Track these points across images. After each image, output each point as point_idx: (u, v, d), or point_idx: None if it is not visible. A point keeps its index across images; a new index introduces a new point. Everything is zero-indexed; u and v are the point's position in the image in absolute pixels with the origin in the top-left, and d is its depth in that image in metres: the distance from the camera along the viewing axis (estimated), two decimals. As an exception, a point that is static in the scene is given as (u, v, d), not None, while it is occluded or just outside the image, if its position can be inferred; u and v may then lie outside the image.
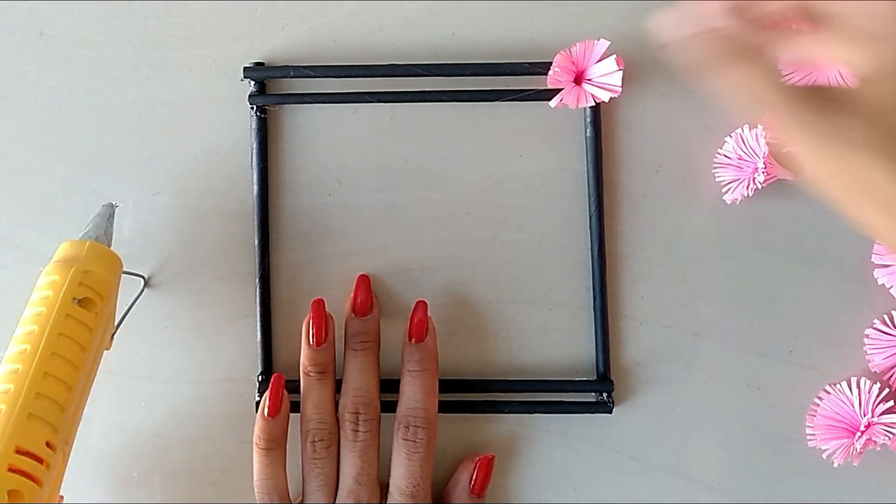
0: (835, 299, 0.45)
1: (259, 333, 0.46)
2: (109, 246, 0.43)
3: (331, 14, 0.47)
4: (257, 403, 0.46)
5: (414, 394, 0.43)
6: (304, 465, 0.44)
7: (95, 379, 0.42)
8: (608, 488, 0.46)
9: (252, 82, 0.46)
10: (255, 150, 0.46)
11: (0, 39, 0.47)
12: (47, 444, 0.36)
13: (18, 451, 0.35)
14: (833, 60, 0.36)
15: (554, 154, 0.46)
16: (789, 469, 0.46)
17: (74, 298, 0.39)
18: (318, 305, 0.44)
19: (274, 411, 0.43)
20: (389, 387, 0.45)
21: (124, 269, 0.43)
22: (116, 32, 0.47)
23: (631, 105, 0.46)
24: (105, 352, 0.43)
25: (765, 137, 0.43)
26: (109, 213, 0.44)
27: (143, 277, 0.45)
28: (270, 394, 0.44)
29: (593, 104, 0.44)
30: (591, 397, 0.46)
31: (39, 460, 0.35)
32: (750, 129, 0.43)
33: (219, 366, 0.46)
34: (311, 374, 0.44)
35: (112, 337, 0.43)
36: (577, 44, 0.44)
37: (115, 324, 0.43)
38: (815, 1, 0.35)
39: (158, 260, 0.47)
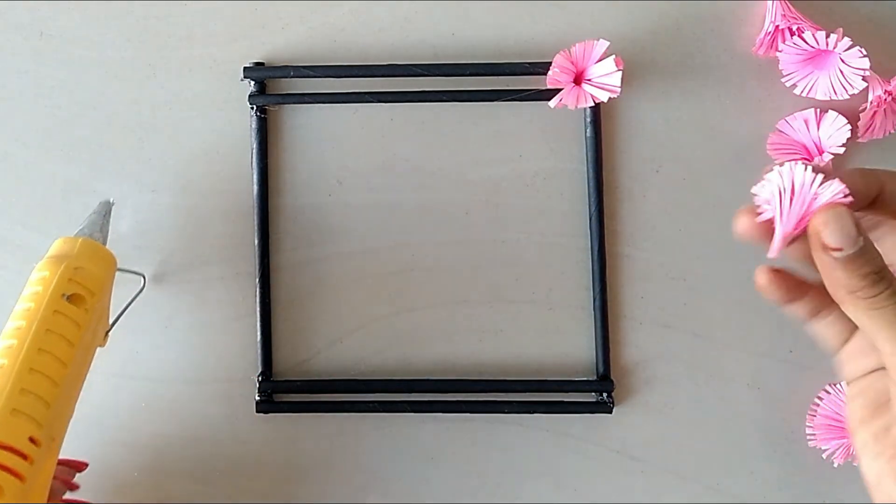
0: (835, 299, 0.45)
1: (259, 333, 0.46)
2: (104, 243, 0.42)
3: (331, 14, 0.47)
4: (257, 403, 0.46)
5: None
6: None
7: (93, 378, 0.42)
8: (608, 488, 0.46)
9: (252, 82, 0.46)
10: (255, 150, 0.46)
11: (0, 39, 0.47)
12: (31, 440, 0.35)
13: (0, 446, 0.34)
14: None
15: (554, 154, 0.46)
16: (789, 469, 0.46)
17: (64, 294, 0.39)
18: None
19: None
20: (400, 386, 0.45)
21: (124, 268, 0.43)
22: (116, 32, 0.47)
23: (631, 105, 0.46)
24: (106, 351, 0.42)
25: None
26: (106, 210, 0.43)
27: (142, 276, 0.45)
28: None
29: (593, 104, 0.44)
30: (591, 397, 0.46)
31: (23, 456, 0.35)
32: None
33: (219, 366, 0.46)
34: None
35: (107, 334, 0.43)
36: (577, 44, 0.44)
37: (111, 321, 0.43)
38: None
39: (158, 259, 0.47)
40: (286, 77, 0.46)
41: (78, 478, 0.46)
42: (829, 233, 0.30)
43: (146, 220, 0.47)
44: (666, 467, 0.46)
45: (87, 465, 0.42)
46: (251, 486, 0.46)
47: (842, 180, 0.30)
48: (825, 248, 0.30)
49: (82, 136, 0.47)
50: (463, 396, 0.46)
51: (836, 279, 0.31)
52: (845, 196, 0.30)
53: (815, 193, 0.31)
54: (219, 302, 0.47)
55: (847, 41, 0.42)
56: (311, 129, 0.47)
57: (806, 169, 0.31)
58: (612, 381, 0.45)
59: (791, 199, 0.31)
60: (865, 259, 0.30)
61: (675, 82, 0.46)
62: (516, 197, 0.46)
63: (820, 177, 0.30)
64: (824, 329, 0.35)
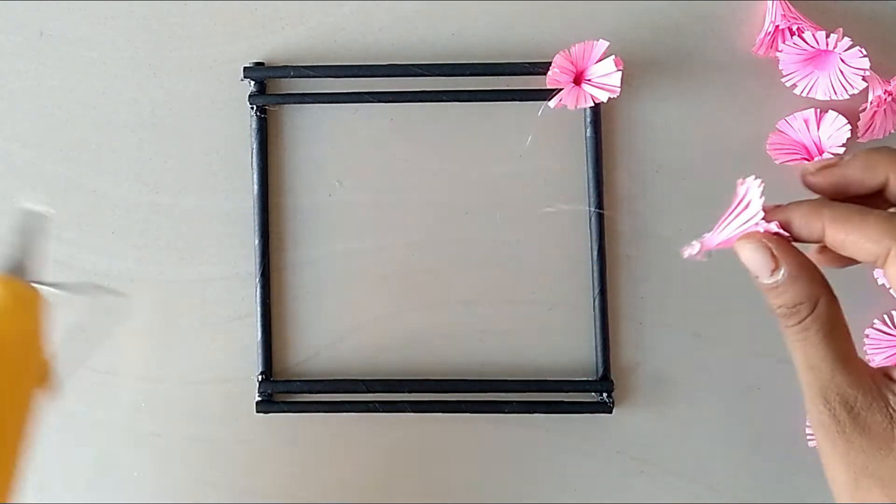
0: (835, 299, 0.45)
1: (259, 333, 0.46)
2: (28, 275, 0.31)
3: (331, 14, 0.47)
4: (257, 403, 0.46)
5: None
6: None
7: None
8: (608, 488, 0.46)
9: (252, 82, 0.46)
10: (255, 150, 0.46)
11: (0, 39, 0.47)
12: None
13: None
14: None
15: (554, 154, 0.46)
16: (789, 469, 0.46)
17: None
18: None
19: None
20: (400, 386, 0.45)
21: (92, 286, 0.33)
22: (116, 32, 0.47)
23: (631, 105, 0.46)
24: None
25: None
26: (37, 226, 0.32)
27: (123, 294, 0.34)
28: None
29: (593, 104, 0.44)
30: (591, 397, 0.46)
31: None
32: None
33: (219, 366, 0.46)
34: None
35: (49, 377, 0.33)
36: (577, 44, 0.44)
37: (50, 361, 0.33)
38: None
39: (159, 260, 0.47)
40: (286, 77, 0.46)
41: (79, 477, 0.46)
42: (745, 261, 0.32)
43: (146, 220, 0.47)
44: (666, 467, 0.46)
45: None
46: (251, 486, 0.46)
47: (818, 186, 0.32)
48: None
49: (82, 136, 0.47)
50: (463, 396, 0.46)
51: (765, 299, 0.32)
52: (777, 231, 0.31)
53: (755, 223, 0.32)
54: (219, 302, 0.47)
55: (847, 41, 0.42)
56: (311, 129, 0.47)
57: (760, 196, 0.31)
58: (612, 381, 0.45)
59: (733, 217, 0.33)
60: (780, 291, 0.32)
61: (675, 82, 0.46)
62: (516, 197, 0.46)
63: (760, 213, 0.31)
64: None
